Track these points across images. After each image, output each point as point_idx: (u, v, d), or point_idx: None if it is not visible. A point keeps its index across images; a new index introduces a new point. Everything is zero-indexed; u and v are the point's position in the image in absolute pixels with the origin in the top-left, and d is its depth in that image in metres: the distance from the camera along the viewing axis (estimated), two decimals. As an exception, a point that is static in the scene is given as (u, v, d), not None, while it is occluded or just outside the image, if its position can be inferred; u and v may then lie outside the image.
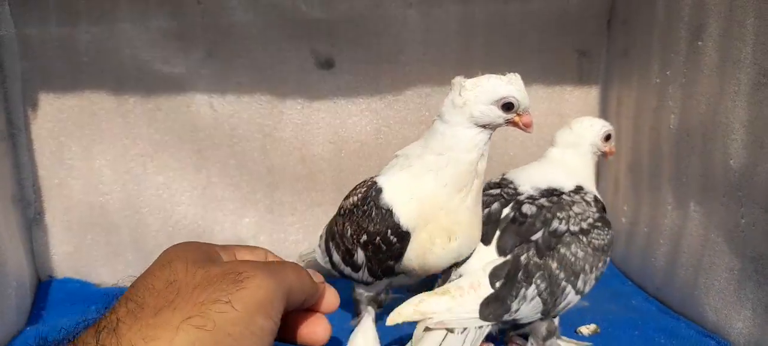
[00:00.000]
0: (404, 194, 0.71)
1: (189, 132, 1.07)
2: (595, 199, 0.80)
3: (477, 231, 0.74)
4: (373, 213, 0.71)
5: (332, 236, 0.80)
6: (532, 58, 1.12)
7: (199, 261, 0.44)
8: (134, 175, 1.07)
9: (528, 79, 1.11)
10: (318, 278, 0.55)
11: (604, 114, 1.16)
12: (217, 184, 1.10)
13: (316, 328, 0.53)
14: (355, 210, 0.74)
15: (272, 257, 0.56)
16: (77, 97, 1.03)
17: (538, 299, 0.70)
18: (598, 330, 0.87)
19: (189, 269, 0.42)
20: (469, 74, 1.07)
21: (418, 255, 0.72)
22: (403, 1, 1.05)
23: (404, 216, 0.70)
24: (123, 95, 1.03)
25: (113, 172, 1.06)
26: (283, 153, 1.10)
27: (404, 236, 0.71)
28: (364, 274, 0.76)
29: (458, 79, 0.70)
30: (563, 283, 0.71)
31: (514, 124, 0.70)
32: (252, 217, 1.12)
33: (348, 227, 0.75)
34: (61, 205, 1.05)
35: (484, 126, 0.69)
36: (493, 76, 0.70)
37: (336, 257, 0.80)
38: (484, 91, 0.68)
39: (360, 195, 0.74)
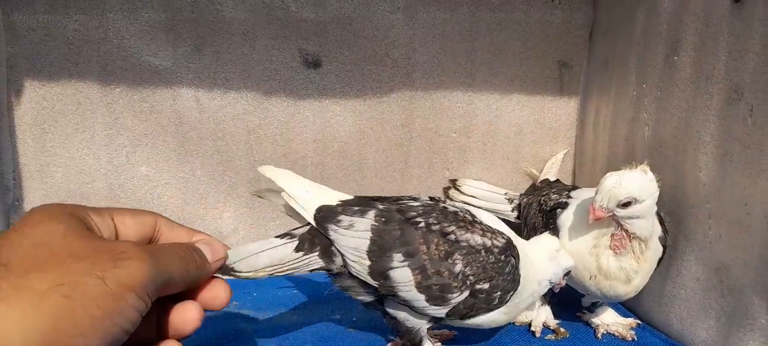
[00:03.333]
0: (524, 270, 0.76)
1: (174, 125, 1.08)
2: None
3: None
4: (507, 269, 0.72)
5: (411, 252, 0.70)
6: (515, 66, 1.15)
7: (78, 229, 0.43)
8: (116, 165, 1.07)
9: (509, 88, 1.16)
10: (215, 254, 0.54)
11: (582, 124, 1.18)
12: (200, 178, 1.10)
13: (188, 314, 0.51)
14: (484, 253, 0.71)
15: (165, 224, 0.55)
16: (62, 85, 1.03)
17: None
18: (567, 334, 0.88)
19: (67, 235, 0.41)
20: (454, 79, 1.09)
21: None
22: (391, 4, 1.07)
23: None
24: (108, 85, 1.04)
25: (96, 161, 1.06)
26: (266, 150, 1.11)
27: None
28: (441, 310, 0.72)
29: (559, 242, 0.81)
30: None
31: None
32: (232, 212, 1.13)
33: (460, 261, 0.70)
34: (41, 192, 1.05)
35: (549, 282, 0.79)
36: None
37: (402, 275, 0.70)
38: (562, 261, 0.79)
39: (499, 244, 0.73)
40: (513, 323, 0.92)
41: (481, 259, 0.71)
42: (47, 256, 0.39)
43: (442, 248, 0.70)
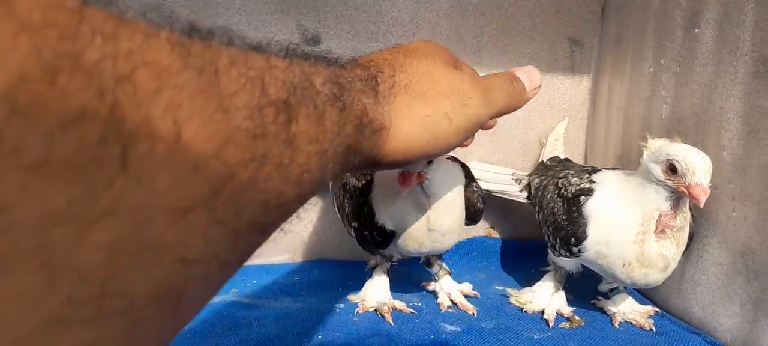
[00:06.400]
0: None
1: (167, 105, 1.03)
2: None
3: (452, 219, 0.77)
4: (365, 210, 0.79)
5: (336, 194, 0.90)
6: (524, 44, 1.10)
7: (449, 65, 0.51)
8: (108, 147, 1.02)
9: (518, 66, 1.10)
10: (533, 83, 0.59)
11: (594, 104, 1.14)
12: (195, 160, 1.06)
13: None
14: (355, 194, 0.81)
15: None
16: (50, 63, 0.98)
17: None
18: (582, 322, 0.84)
19: (442, 70, 0.49)
20: (460, 56, 1.04)
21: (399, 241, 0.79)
22: (394, -22, 1.02)
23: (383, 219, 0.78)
24: (98, 63, 0.99)
25: (86, 143, 1.01)
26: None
27: (388, 235, 0.78)
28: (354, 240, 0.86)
29: None
30: None
31: None
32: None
33: (347, 204, 0.83)
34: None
35: None
36: None
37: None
38: None
39: (363, 182, 0.81)
40: (525, 311, 0.88)
41: (353, 203, 0.82)
42: (428, 87, 0.47)
43: (340, 193, 0.87)
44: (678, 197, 0.74)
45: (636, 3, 0.98)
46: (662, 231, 0.75)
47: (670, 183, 0.72)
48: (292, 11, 1.02)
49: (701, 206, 0.70)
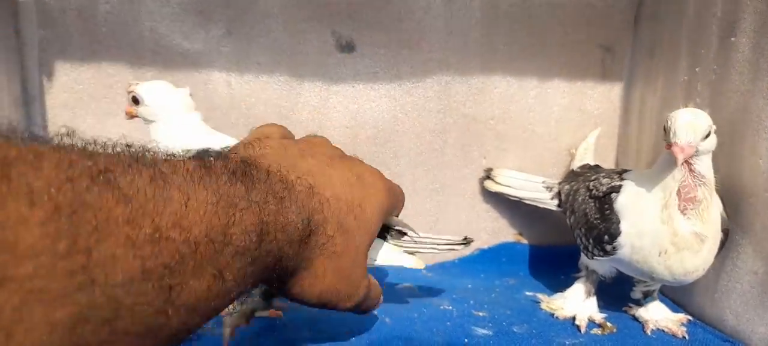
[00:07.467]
0: None
1: (205, 110, 1.05)
2: None
3: None
4: None
5: None
6: (555, 51, 1.10)
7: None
8: (148, 150, 1.05)
9: (549, 74, 1.11)
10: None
11: (625, 113, 1.13)
12: (231, 164, 1.08)
13: None
14: None
15: None
16: (94, 68, 1.02)
17: None
18: (614, 329, 0.85)
19: (364, 259, 0.59)
20: (492, 64, 1.06)
21: None
22: (427, -14, 1.04)
23: None
24: (140, 69, 1.02)
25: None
26: (298, 135, 1.08)
27: None
28: None
29: None
30: None
31: None
32: (264, 199, 1.10)
33: None
34: (73, 176, 1.04)
35: None
36: None
37: None
38: None
39: None
40: (556, 317, 0.88)
41: None
42: (351, 266, 0.55)
43: None
44: (690, 168, 0.75)
45: (670, 12, 0.98)
46: (688, 201, 0.75)
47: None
48: (327, 19, 1.04)
49: (677, 165, 0.72)
